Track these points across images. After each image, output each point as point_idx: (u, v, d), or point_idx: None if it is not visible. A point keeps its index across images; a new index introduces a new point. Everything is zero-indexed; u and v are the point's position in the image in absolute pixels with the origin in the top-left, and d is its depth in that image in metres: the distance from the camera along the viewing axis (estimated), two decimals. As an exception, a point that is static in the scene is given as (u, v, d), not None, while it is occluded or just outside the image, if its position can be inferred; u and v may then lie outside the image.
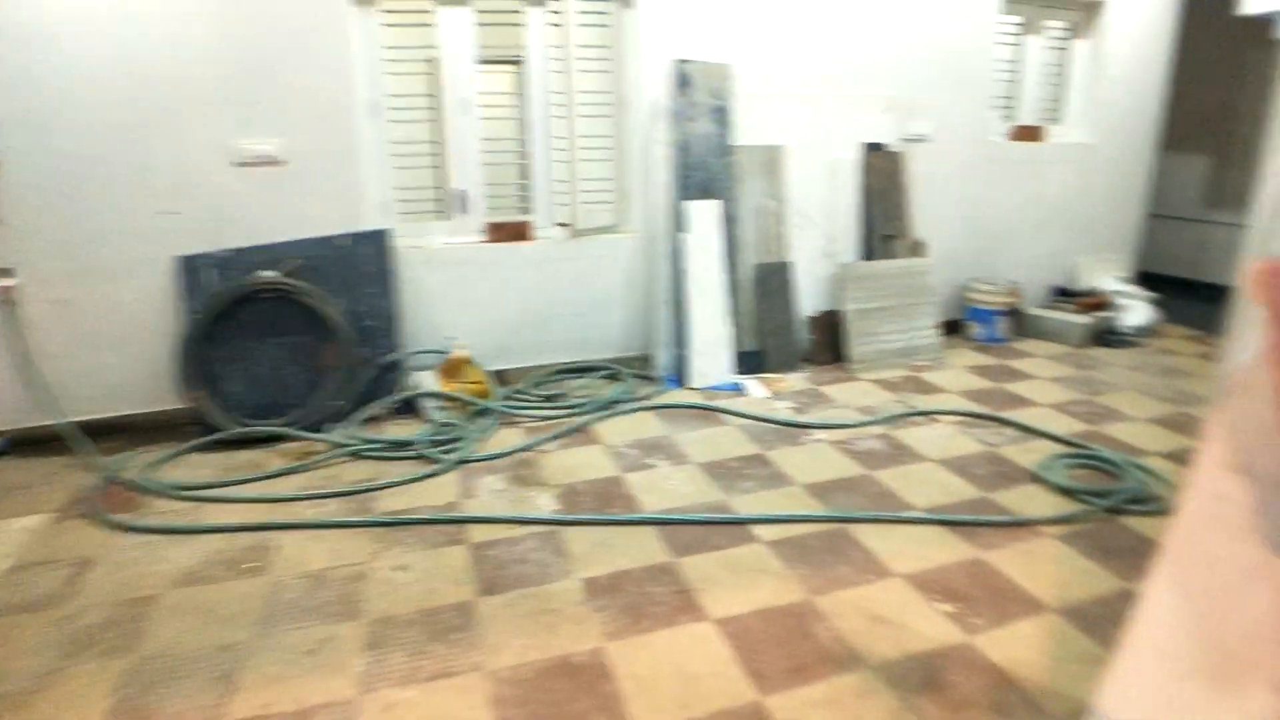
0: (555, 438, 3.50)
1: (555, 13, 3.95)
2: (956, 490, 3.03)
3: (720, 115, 4.19)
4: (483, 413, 3.71)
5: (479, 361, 3.94)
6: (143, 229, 3.44)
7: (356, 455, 3.33)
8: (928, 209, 4.86)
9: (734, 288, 4.26)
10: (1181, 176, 6.64)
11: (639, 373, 4.32)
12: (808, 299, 4.59)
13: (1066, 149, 5.30)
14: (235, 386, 3.56)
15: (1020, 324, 5.15)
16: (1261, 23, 5.11)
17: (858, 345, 4.42)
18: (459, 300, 4.04)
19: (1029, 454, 3.36)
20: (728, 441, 3.48)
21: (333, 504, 2.95)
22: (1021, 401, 4.00)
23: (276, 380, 3.61)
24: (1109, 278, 5.50)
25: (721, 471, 3.18)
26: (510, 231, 4.10)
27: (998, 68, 4.98)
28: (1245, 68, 6.30)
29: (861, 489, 3.04)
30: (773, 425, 3.65)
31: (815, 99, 4.44)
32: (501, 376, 4.15)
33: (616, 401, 3.89)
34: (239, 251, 3.56)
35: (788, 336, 4.41)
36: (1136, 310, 5.20)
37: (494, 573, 2.50)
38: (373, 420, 3.66)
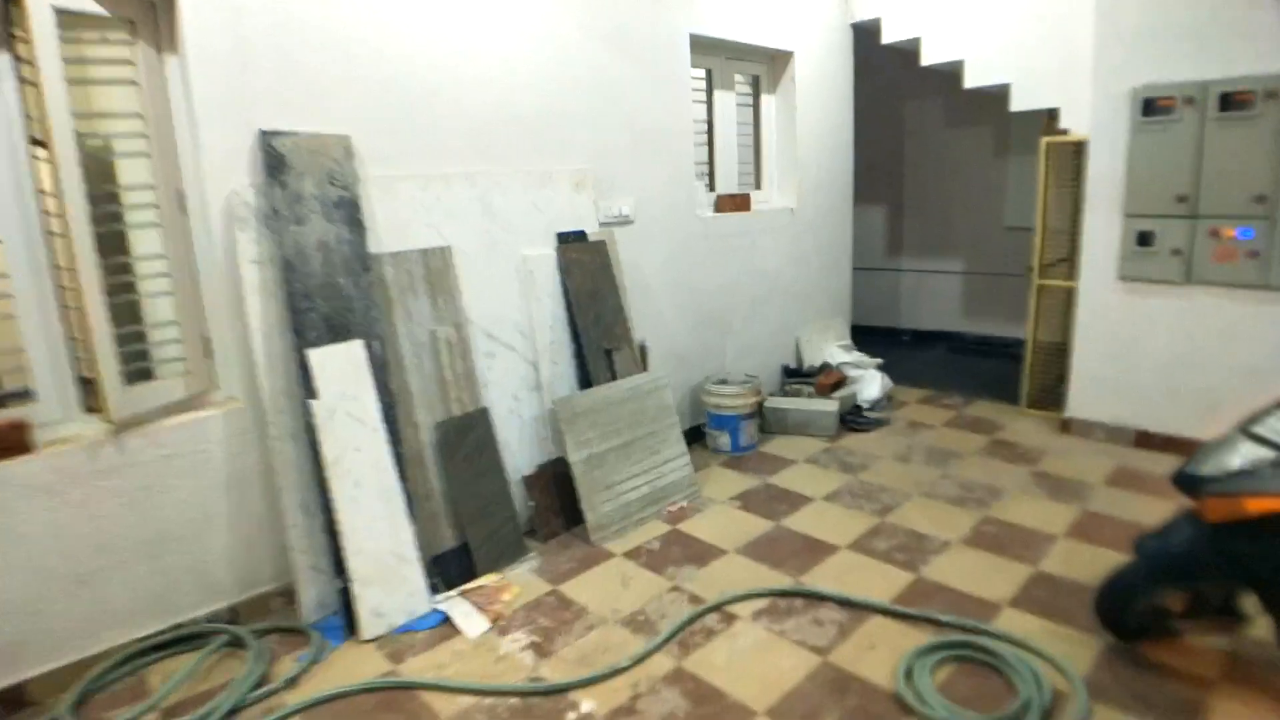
0: None
1: (26, 63, 2.28)
2: (822, 778, 1.91)
3: (347, 211, 2.76)
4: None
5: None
6: None
7: None
8: (642, 303, 3.84)
9: (409, 464, 2.83)
10: (866, 228, 6.49)
11: (275, 625, 2.67)
12: (519, 453, 3.29)
13: (774, 216, 4.65)
14: None
15: (763, 419, 4.34)
16: (922, 73, 4.94)
17: (596, 505, 3.21)
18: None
19: (875, 655, 2.36)
20: (442, 766, 2.03)
21: None
22: (816, 546, 3.06)
23: None
24: (834, 347, 4.96)
25: None
26: (-11, 442, 2.27)
27: (696, 129, 4.15)
28: (905, 118, 6.30)
29: (689, 835, 1.78)
30: (511, 700, 2.27)
31: (485, 178, 3.19)
32: (21, 695, 2.28)
33: (239, 709, 2.25)
34: None
35: (499, 515, 3.06)
36: (871, 381, 4.66)
37: None
38: None
